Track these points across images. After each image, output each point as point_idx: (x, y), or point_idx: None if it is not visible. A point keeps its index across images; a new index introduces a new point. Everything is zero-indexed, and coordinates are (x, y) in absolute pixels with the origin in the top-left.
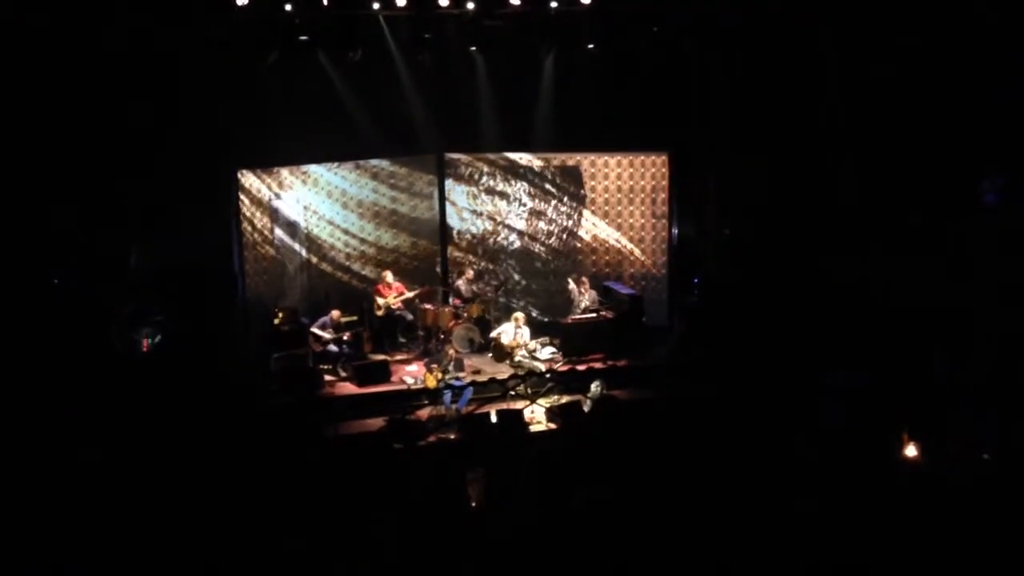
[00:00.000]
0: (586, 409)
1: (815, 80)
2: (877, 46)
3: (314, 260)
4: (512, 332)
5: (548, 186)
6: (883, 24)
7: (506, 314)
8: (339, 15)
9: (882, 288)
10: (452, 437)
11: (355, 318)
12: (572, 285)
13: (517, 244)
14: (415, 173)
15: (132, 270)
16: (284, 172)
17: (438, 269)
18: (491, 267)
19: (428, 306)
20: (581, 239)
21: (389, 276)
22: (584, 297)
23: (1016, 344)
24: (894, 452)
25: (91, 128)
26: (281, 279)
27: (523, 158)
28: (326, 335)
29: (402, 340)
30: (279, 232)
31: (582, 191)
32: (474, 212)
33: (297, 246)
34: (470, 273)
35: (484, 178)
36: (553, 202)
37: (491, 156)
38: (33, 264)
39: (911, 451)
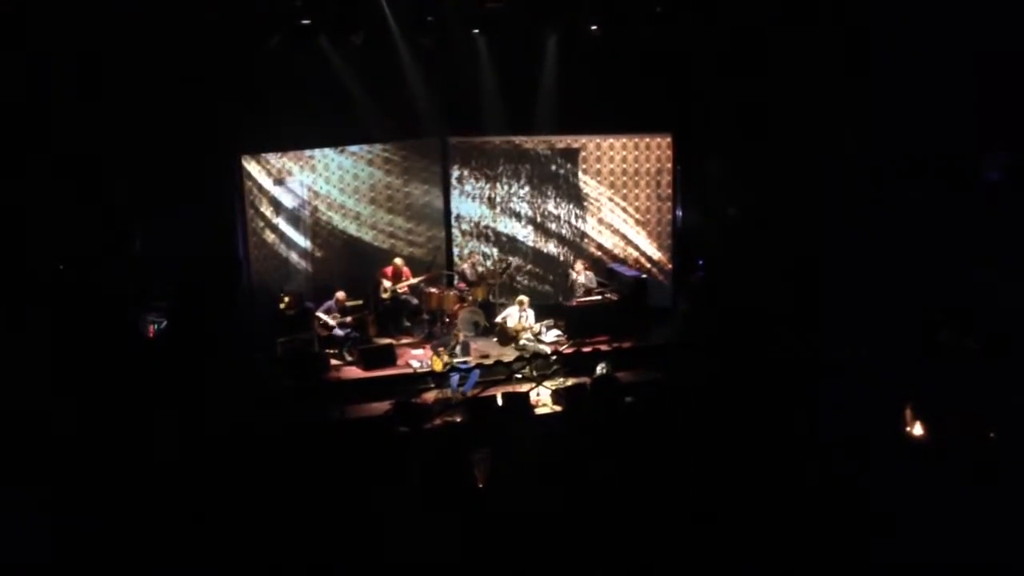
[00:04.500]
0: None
1: (818, 57)
2: (879, 19)
3: (318, 244)
4: (517, 315)
5: (552, 169)
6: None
7: (511, 297)
8: None
9: (885, 265)
10: (458, 420)
11: (360, 302)
12: (573, 274)
13: (521, 228)
14: (417, 156)
15: (136, 256)
16: (286, 157)
17: (442, 253)
18: (495, 251)
19: (433, 289)
20: (585, 222)
21: (398, 261)
22: (580, 277)
23: (1019, 319)
24: (897, 429)
25: (94, 113)
26: (285, 264)
27: (526, 141)
28: (331, 320)
29: (407, 324)
30: (283, 217)
31: (586, 174)
32: (478, 196)
33: (301, 230)
34: (475, 257)
35: (488, 162)
36: (557, 185)
37: (494, 140)
38: (38, 250)
39: (917, 429)
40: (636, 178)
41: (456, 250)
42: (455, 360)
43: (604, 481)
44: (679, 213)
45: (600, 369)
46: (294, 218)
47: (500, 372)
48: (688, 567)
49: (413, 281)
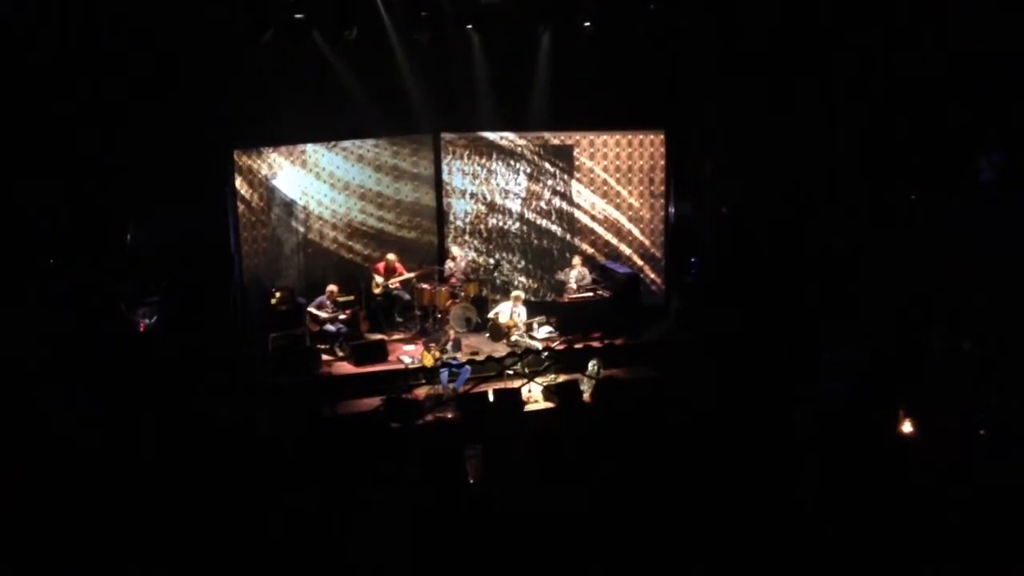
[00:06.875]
0: (583, 388)
1: (812, 56)
2: (874, 19)
3: (310, 239)
4: (509, 311)
5: (545, 165)
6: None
7: (503, 293)
8: None
9: (879, 264)
10: (449, 416)
11: (352, 297)
12: (566, 271)
13: (513, 224)
14: (409, 152)
15: (129, 250)
16: (279, 152)
17: (434, 249)
18: (488, 247)
19: (425, 285)
20: (578, 219)
21: (391, 256)
22: (573, 273)
23: (1012, 320)
24: (891, 428)
25: (87, 107)
26: (278, 259)
27: (520, 137)
28: (323, 315)
29: (399, 319)
30: (275, 212)
31: (579, 171)
32: (471, 192)
33: (293, 225)
34: (463, 251)
35: (481, 158)
36: (550, 182)
37: (488, 135)
38: (29, 245)
39: (907, 427)
40: (629, 175)
41: (448, 245)
42: (446, 356)
43: (603, 479)
44: (672, 210)
45: (592, 366)
46: (286, 213)
47: (492, 368)
48: (687, 566)
49: (405, 277)
